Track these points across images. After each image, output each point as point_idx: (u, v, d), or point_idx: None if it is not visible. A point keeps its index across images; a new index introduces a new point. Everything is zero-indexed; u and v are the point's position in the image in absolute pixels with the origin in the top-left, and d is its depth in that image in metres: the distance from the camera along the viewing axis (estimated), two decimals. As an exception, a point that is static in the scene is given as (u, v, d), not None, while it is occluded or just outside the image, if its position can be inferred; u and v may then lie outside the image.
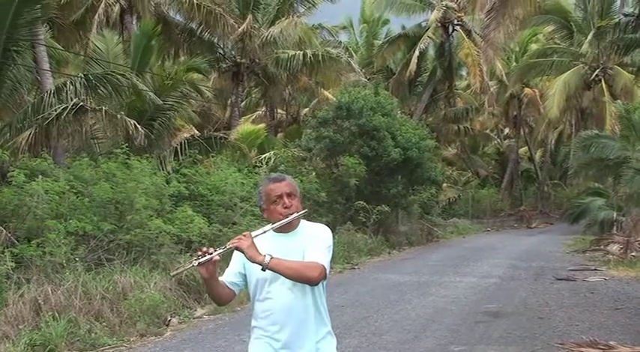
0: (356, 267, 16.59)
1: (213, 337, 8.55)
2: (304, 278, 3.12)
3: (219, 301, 3.42)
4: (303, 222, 3.36)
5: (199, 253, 3.12)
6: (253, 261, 3.09)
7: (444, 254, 20.51)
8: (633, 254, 17.92)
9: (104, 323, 8.60)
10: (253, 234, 3.16)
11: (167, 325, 9.30)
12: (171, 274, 3.27)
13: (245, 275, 3.33)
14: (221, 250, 3.14)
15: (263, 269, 3.08)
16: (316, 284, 3.18)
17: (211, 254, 3.11)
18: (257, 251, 3.08)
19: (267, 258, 3.06)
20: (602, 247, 20.82)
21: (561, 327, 8.91)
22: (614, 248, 19.71)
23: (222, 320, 9.75)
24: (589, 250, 21.12)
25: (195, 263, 3.10)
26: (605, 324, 9.10)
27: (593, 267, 16.27)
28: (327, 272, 3.18)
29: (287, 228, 3.29)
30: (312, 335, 3.23)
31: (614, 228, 24.27)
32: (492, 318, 9.68)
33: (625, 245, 18.57)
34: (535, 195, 44.91)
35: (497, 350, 7.57)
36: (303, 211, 3.29)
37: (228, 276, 3.35)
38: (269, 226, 3.25)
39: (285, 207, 3.24)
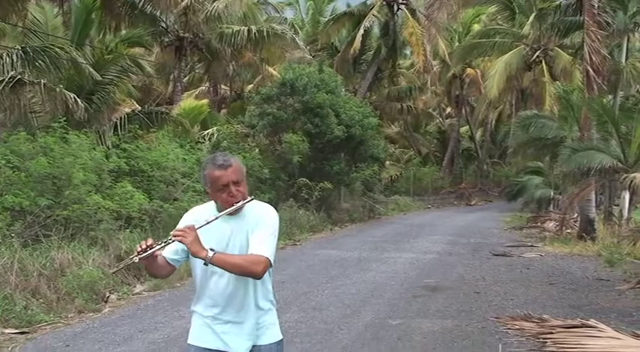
0: (298, 244, 16.67)
1: (152, 313, 8.49)
2: (248, 273, 3.10)
3: (160, 277, 3.40)
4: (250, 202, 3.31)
5: (140, 249, 3.06)
6: (196, 257, 3.05)
7: (386, 230, 20.75)
8: (568, 231, 18.45)
9: (41, 300, 8.45)
10: (197, 227, 3.10)
11: (105, 301, 9.19)
12: (111, 271, 3.22)
13: (187, 252, 3.28)
14: (162, 244, 3.09)
15: (205, 264, 3.05)
16: (260, 278, 3.15)
17: (152, 249, 3.06)
18: (201, 246, 3.03)
19: (211, 254, 3.02)
20: (538, 224, 21.39)
21: (497, 301, 9.13)
22: (550, 225, 20.27)
23: (162, 296, 9.70)
24: (526, 227, 21.69)
25: (136, 259, 3.04)
26: (539, 299, 9.36)
27: (529, 244, 16.71)
28: (272, 261, 3.15)
29: (232, 212, 3.23)
30: (254, 313, 3.22)
31: (551, 205, 24.95)
32: (430, 293, 9.86)
33: (561, 222, 19.09)
34: (475, 173, 45.69)
35: (435, 324, 7.71)
36: (250, 199, 3.22)
37: (170, 253, 3.27)
38: (212, 218, 3.17)
39: (232, 196, 3.18)
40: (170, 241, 3.08)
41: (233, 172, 3.18)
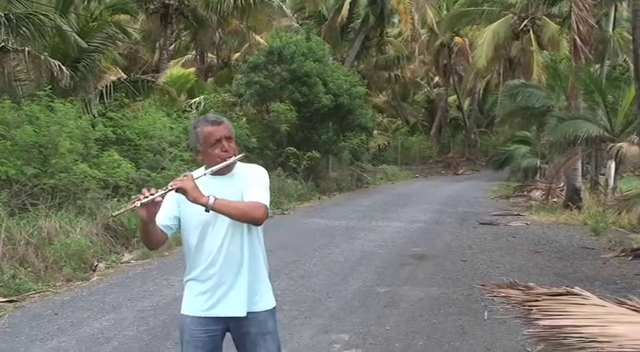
0: (286, 212, 16.70)
1: (141, 281, 8.51)
2: (250, 217, 3.12)
3: (152, 245, 3.35)
4: (238, 164, 3.33)
5: (140, 195, 3.05)
6: (197, 203, 3.04)
7: (373, 199, 20.82)
8: (554, 200, 18.59)
9: (29, 269, 8.45)
10: (194, 175, 3.13)
11: (94, 270, 9.20)
12: (113, 214, 3.15)
13: (179, 219, 3.29)
14: (163, 191, 3.07)
15: (207, 211, 3.04)
16: (261, 224, 3.19)
17: (153, 195, 3.05)
18: (200, 192, 3.04)
19: (212, 199, 3.02)
20: (525, 193, 21.54)
21: (483, 269, 9.22)
22: (537, 194, 20.41)
23: (151, 264, 9.71)
24: (512, 196, 21.83)
25: (138, 203, 3.01)
26: (525, 267, 9.45)
27: (515, 212, 16.83)
28: (268, 211, 3.19)
29: (224, 171, 3.26)
30: (247, 277, 3.22)
31: (538, 175, 25.07)
32: (418, 261, 9.94)
33: (547, 191, 19.22)
34: (462, 142, 45.78)
35: (422, 292, 7.78)
36: (241, 155, 3.27)
37: (162, 219, 3.25)
38: (209, 169, 3.21)
39: (224, 151, 3.21)
40: (170, 189, 3.07)
41: (225, 128, 3.26)
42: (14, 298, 7.60)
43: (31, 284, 8.05)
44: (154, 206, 3.07)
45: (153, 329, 6.27)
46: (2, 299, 7.51)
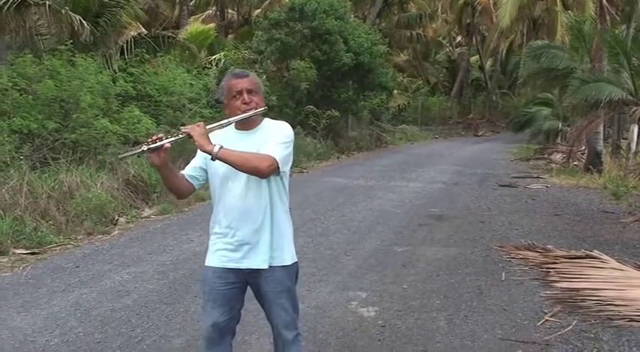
0: (305, 171, 16.73)
1: (161, 236, 8.60)
2: (253, 168, 3.08)
3: (177, 193, 3.41)
4: (266, 120, 3.32)
5: (150, 140, 3.08)
6: (203, 150, 3.06)
7: (392, 159, 20.78)
8: (575, 163, 18.46)
9: (50, 222, 8.57)
10: (208, 126, 3.13)
11: (114, 224, 9.31)
12: (120, 156, 3.18)
13: (206, 171, 3.31)
14: (173, 138, 3.08)
15: (213, 159, 3.04)
16: (265, 177, 3.13)
17: (162, 141, 3.07)
18: (208, 140, 3.04)
19: (217, 148, 3.02)
20: (545, 156, 21.39)
21: (501, 231, 9.20)
22: (557, 157, 20.27)
23: (170, 220, 9.80)
24: (532, 158, 21.69)
25: (145, 148, 3.04)
26: (543, 229, 9.42)
27: (535, 175, 16.73)
28: (281, 166, 3.13)
29: (248, 126, 3.26)
30: (265, 232, 3.23)
31: (559, 137, 24.84)
32: (436, 221, 9.94)
33: (567, 154, 19.07)
34: (483, 103, 45.33)
35: (439, 252, 7.80)
36: (262, 108, 3.24)
37: (187, 169, 3.34)
38: (225, 120, 3.22)
39: (244, 103, 3.20)
40: (180, 136, 3.09)
41: (248, 82, 3.25)
42: (36, 250, 7.74)
43: (53, 237, 8.18)
44: (163, 152, 3.09)
45: (172, 283, 6.35)
46: (24, 252, 7.64)
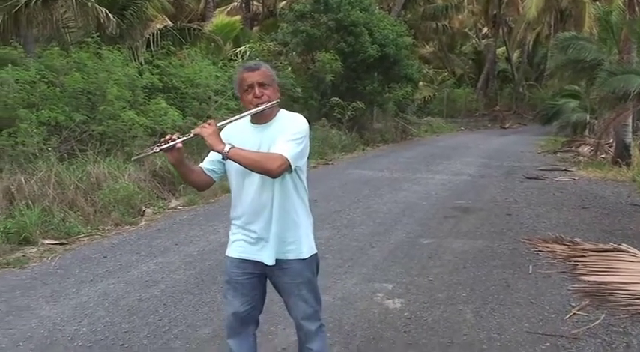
0: (330, 163, 16.72)
1: (187, 227, 8.66)
2: (263, 169, 3.05)
3: (196, 187, 3.45)
4: (281, 111, 3.30)
5: (162, 140, 3.10)
6: (213, 150, 3.07)
7: (418, 151, 20.69)
8: (603, 156, 18.23)
9: (78, 213, 8.66)
10: (219, 123, 3.13)
11: (142, 215, 9.39)
12: (133, 158, 3.21)
13: (224, 164, 3.30)
14: (184, 138, 3.10)
15: (223, 158, 3.06)
16: (276, 177, 3.10)
17: (174, 141, 3.08)
18: (219, 139, 3.03)
19: (227, 147, 3.01)
20: (573, 148, 21.15)
21: (529, 224, 9.12)
22: (585, 149, 20.03)
23: (197, 211, 9.86)
24: (560, 151, 21.45)
25: (157, 149, 3.07)
26: (571, 222, 9.32)
27: (563, 168, 16.55)
28: (293, 163, 3.09)
29: (263, 119, 3.23)
30: (277, 226, 3.21)
31: (586, 130, 24.55)
32: (462, 214, 9.88)
33: (595, 147, 18.84)
34: (510, 95, 44.88)
35: (465, 244, 7.76)
36: (273, 102, 3.20)
37: (206, 163, 3.34)
38: (236, 116, 3.21)
39: (256, 97, 3.17)
40: (191, 136, 3.10)
41: (259, 75, 3.21)
42: (64, 241, 7.83)
43: (81, 228, 8.28)
44: (177, 151, 3.11)
45: (199, 274, 6.39)
46: (53, 242, 7.73)
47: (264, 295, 3.43)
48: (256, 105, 3.18)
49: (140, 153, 3.41)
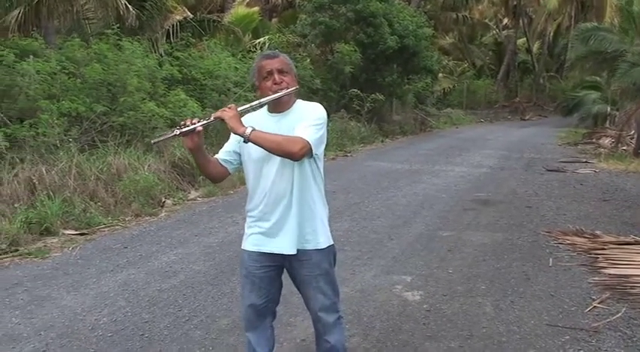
0: (349, 155, 16.70)
1: (207, 218, 8.69)
2: (285, 151, 3.02)
3: (211, 177, 3.41)
4: (298, 101, 3.29)
5: (182, 123, 3.09)
6: (235, 133, 3.05)
7: (437, 143, 20.61)
8: (624, 148, 18.07)
9: (99, 203, 8.72)
10: (239, 108, 3.12)
11: (162, 206, 9.44)
12: (152, 141, 3.18)
13: (240, 155, 3.31)
14: (205, 121, 3.08)
15: (245, 142, 3.03)
16: (298, 160, 3.08)
17: (194, 124, 3.07)
18: (240, 122, 3.02)
19: (249, 130, 2.99)
20: (593, 140, 20.97)
21: (549, 216, 9.06)
22: (606, 141, 19.86)
23: (216, 202, 9.90)
24: (581, 143, 21.28)
25: (177, 132, 3.05)
26: (592, 215, 9.25)
27: (583, 160, 16.42)
28: (314, 148, 3.08)
29: (280, 107, 3.22)
30: (297, 216, 3.20)
31: (607, 121, 24.34)
32: (481, 206, 9.83)
33: (616, 139, 18.68)
34: (530, 87, 44.58)
35: (485, 237, 7.72)
36: (294, 88, 3.20)
37: (221, 153, 3.33)
38: (256, 102, 3.19)
39: (275, 84, 3.17)
40: (211, 120, 3.09)
41: (278, 62, 3.21)
42: (85, 231, 7.89)
43: (101, 219, 8.33)
44: (197, 136, 3.09)
45: (219, 265, 6.42)
46: (74, 232, 7.80)
47: (280, 287, 3.43)
48: (276, 92, 3.17)
49: (160, 136, 3.39)
